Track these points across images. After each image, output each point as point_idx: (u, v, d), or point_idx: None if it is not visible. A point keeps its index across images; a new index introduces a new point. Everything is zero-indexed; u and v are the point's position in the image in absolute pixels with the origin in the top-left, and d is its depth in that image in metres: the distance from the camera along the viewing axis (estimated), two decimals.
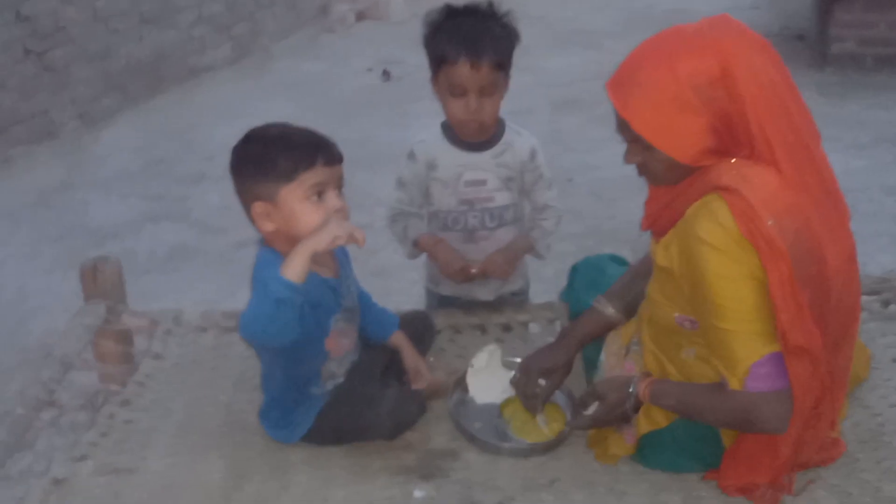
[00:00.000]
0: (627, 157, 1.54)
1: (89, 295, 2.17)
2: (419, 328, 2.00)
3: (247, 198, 1.65)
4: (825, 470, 1.62)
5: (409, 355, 1.90)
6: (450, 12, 1.94)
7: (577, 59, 6.07)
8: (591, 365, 1.87)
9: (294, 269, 1.52)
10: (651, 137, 1.45)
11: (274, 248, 1.65)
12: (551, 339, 2.09)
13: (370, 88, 5.95)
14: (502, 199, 2.07)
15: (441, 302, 2.25)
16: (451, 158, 2.02)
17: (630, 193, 4.08)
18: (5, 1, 4.64)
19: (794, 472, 1.57)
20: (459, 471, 1.72)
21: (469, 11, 1.94)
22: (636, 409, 1.64)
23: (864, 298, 2.09)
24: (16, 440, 1.75)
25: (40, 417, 1.84)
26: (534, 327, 2.19)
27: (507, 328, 2.18)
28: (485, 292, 2.18)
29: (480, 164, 2.04)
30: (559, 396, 1.89)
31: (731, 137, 1.43)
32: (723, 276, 1.41)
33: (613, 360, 1.79)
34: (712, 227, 1.41)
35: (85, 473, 1.69)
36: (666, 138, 1.45)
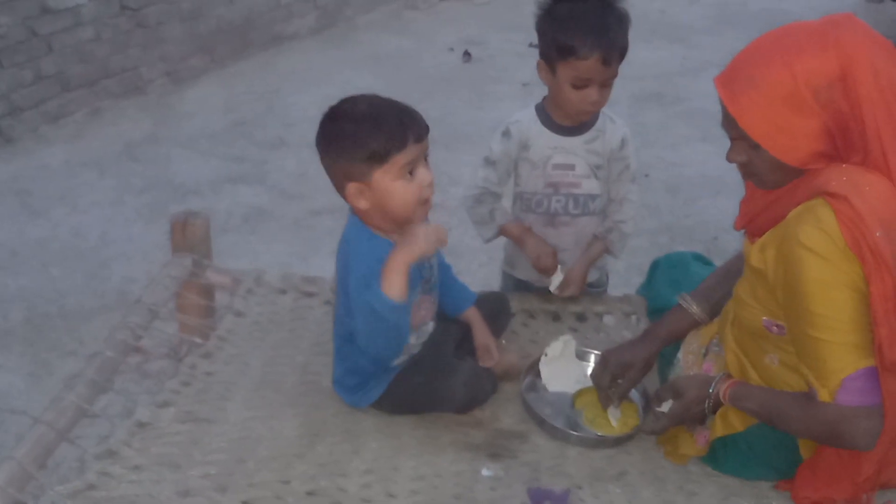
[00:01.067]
0: (731, 156, 1.51)
1: (177, 248, 2.23)
2: (495, 309, 2.00)
3: (338, 177, 1.66)
4: None
5: (481, 332, 1.91)
6: (569, 3, 1.89)
7: (664, 52, 5.96)
8: (667, 362, 1.86)
9: (396, 288, 1.57)
10: (759, 137, 1.41)
11: (365, 221, 1.68)
12: (626, 333, 2.09)
13: (450, 67, 5.95)
14: (589, 186, 2.06)
15: (517, 286, 2.26)
16: (544, 140, 2.03)
17: (708, 193, 4.04)
18: None
19: (874, 491, 1.54)
20: (527, 453, 1.73)
21: (589, 2, 1.89)
22: (714, 410, 1.62)
23: None
24: (103, 381, 1.82)
25: (127, 362, 1.91)
26: (609, 319, 2.18)
27: (581, 318, 2.18)
28: None
29: (571, 148, 2.03)
30: (633, 393, 1.88)
31: (844, 142, 1.39)
32: (822, 283, 1.37)
33: (692, 360, 1.78)
34: (816, 233, 1.37)
35: (167, 419, 1.75)
36: (775, 139, 1.40)
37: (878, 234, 1.33)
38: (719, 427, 1.65)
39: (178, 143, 4.64)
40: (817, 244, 1.37)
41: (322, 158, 1.67)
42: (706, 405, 1.62)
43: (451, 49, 6.22)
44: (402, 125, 1.60)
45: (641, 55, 6.01)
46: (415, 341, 1.80)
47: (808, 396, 1.46)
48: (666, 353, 1.86)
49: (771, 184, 1.50)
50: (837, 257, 1.36)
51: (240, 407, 1.81)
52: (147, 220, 3.77)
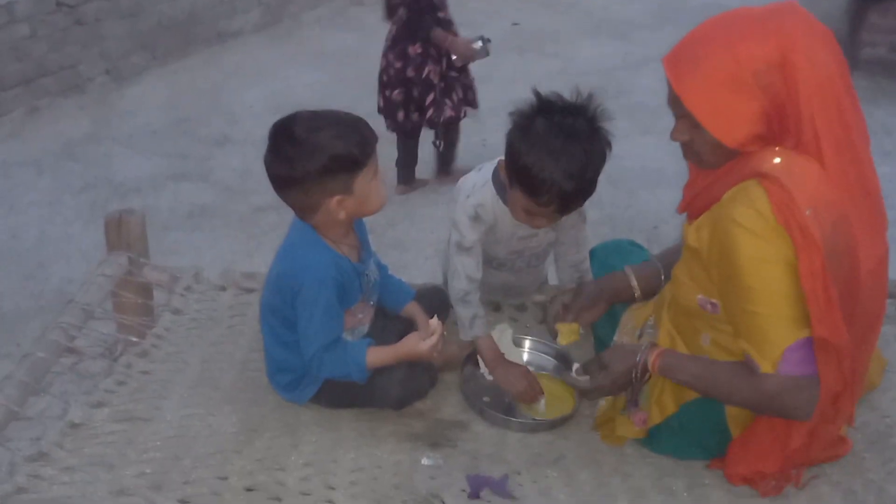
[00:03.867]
0: (674, 134, 1.54)
1: (112, 246, 2.20)
2: (434, 302, 2.01)
3: (313, 196, 1.63)
4: (830, 467, 1.64)
5: (423, 321, 1.92)
6: (550, 132, 1.68)
7: (607, 48, 6.04)
8: (603, 346, 1.89)
9: (382, 363, 1.72)
10: (701, 116, 1.45)
11: (319, 231, 1.69)
12: None
13: None
14: (547, 239, 2.04)
15: None
16: (510, 218, 1.90)
17: (649, 185, 4.11)
18: None
19: (803, 467, 1.59)
20: (467, 442, 1.75)
21: (572, 134, 1.67)
22: (643, 379, 1.65)
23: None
24: (35, 383, 1.78)
25: (59, 362, 1.87)
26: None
27: (521, 308, 2.20)
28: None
29: None
30: (570, 377, 1.93)
31: (780, 125, 1.43)
32: (757, 259, 1.41)
33: (626, 340, 1.81)
34: (749, 211, 1.41)
35: (100, 419, 1.72)
36: (716, 119, 1.44)
37: (807, 213, 1.38)
38: (656, 414, 1.68)
39: (118, 141, 4.56)
40: (750, 222, 1.41)
41: (288, 183, 1.63)
42: (633, 374, 1.64)
43: None
44: (366, 128, 1.65)
45: (585, 51, 6.11)
46: (350, 338, 1.80)
47: (745, 367, 1.49)
48: (603, 336, 1.90)
49: (710, 163, 1.54)
50: (770, 234, 1.40)
51: (176, 405, 1.79)
52: (86, 219, 3.69)
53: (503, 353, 1.92)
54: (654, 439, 1.72)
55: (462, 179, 1.97)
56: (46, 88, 4.85)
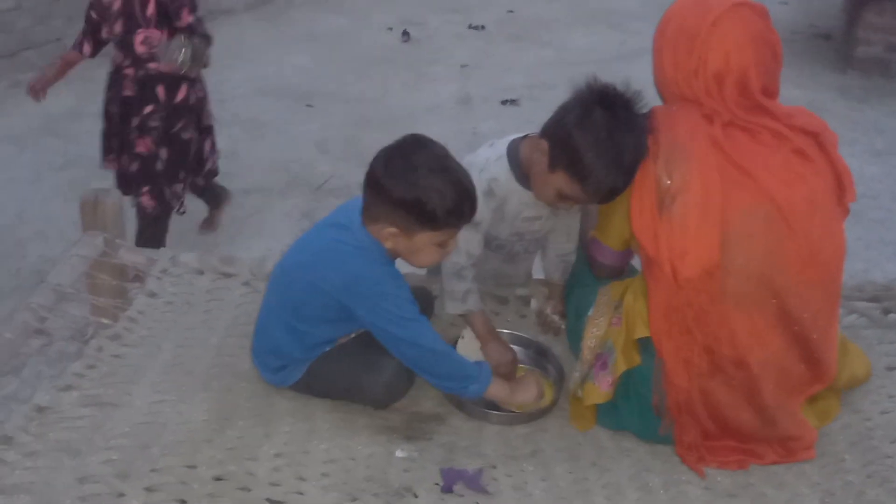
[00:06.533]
0: None
1: (88, 227, 2.15)
2: (419, 303, 1.98)
3: (380, 213, 1.62)
4: (809, 466, 1.63)
5: None
6: (612, 124, 1.66)
7: (601, 38, 5.99)
8: (575, 333, 1.88)
9: (492, 395, 1.76)
10: (654, 58, 1.74)
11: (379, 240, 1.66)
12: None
13: (388, 47, 5.88)
14: (548, 226, 2.01)
15: None
16: (518, 197, 1.90)
17: None
18: None
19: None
20: (444, 435, 1.72)
21: (630, 128, 1.67)
22: None
23: (864, 305, 2.10)
24: (1, 365, 1.74)
25: (29, 344, 1.83)
26: (534, 303, 2.17)
27: (503, 301, 2.17)
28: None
29: (539, 203, 1.91)
30: (549, 369, 1.91)
31: (687, 87, 1.67)
32: None
33: (603, 310, 1.80)
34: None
35: (68, 403, 1.68)
36: (658, 65, 1.73)
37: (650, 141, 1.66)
38: (621, 363, 1.70)
39: (101, 118, 4.46)
40: None
41: (372, 183, 1.62)
42: None
43: (390, 28, 6.15)
44: (468, 207, 1.62)
45: (579, 40, 6.05)
46: (354, 333, 1.79)
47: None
48: (574, 328, 1.89)
49: (661, 98, 1.78)
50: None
51: (147, 391, 1.75)
52: (66, 197, 3.63)
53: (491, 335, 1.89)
54: (621, 412, 1.73)
55: (471, 155, 1.93)
56: (30, 62, 4.75)
